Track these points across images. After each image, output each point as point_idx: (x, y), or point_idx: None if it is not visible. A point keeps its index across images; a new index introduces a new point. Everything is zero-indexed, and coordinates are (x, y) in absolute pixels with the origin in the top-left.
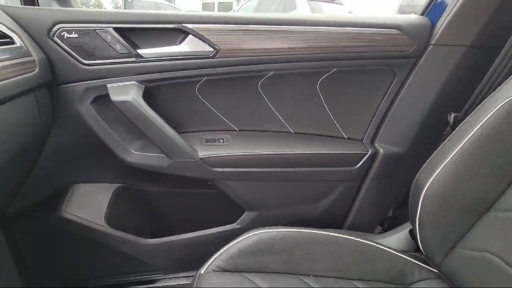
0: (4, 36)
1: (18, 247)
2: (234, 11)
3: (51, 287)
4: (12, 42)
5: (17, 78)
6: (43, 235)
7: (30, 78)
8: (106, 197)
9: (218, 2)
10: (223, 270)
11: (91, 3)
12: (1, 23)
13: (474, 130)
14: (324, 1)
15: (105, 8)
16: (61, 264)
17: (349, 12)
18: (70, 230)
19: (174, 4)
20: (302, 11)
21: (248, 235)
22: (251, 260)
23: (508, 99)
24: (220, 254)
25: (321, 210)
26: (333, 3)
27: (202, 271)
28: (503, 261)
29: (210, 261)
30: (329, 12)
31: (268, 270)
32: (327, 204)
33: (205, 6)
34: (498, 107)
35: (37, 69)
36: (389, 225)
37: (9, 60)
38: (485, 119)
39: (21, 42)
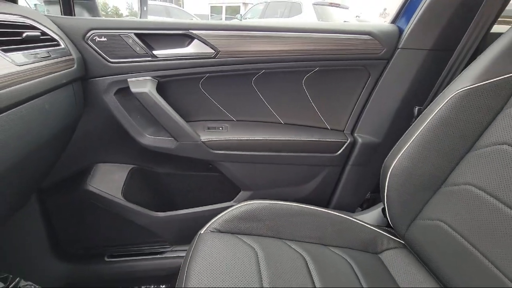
0: (52, 39)
1: (49, 215)
2: (241, 14)
3: (74, 253)
4: (58, 44)
5: (62, 72)
6: (70, 206)
7: (70, 72)
8: (122, 175)
9: (226, 6)
10: (219, 231)
11: (109, 9)
12: (50, 30)
13: (429, 119)
14: (330, 6)
15: (121, 14)
16: (83, 232)
17: (356, 16)
18: (92, 202)
19: (183, 8)
20: (307, 15)
21: (241, 205)
22: (242, 225)
23: (455, 93)
24: (217, 219)
25: (308, 192)
26: (339, 7)
27: (202, 232)
28: (450, 227)
29: (209, 225)
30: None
31: (256, 234)
32: (313, 186)
33: (213, 9)
34: (447, 99)
35: (75, 66)
36: (367, 206)
37: (56, 58)
38: (437, 109)
39: (64, 44)
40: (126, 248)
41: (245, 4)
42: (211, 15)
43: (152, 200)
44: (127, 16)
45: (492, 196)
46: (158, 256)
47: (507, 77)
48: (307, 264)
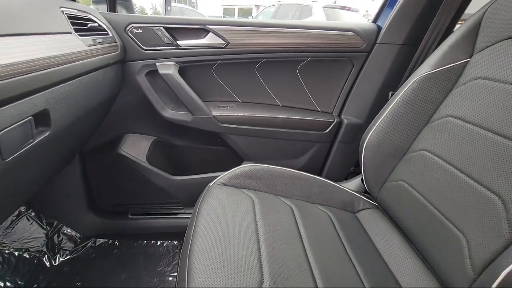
0: (104, 29)
1: (87, 175)
2: (252, 16)
3: (104, 209)
4: (108, 33)
5: (110, 54)
6: (104, 167)
7: (115, 55)
8: (147, 144)
9: (239, 8)
10: (224, 185)
11: (136, 9)
12: (103, 23)
13: (396, 100)
14: (340, 8)
15: (146, 13)
16: (113, 191)
17: (368, 20)
18: (123, 164)
19: (197, 9)
20: (318, 18)
21: (243, 166)
22: (243, 181)
23: (416, 78)
24: (223, 175)
25: (301, 164)
26: (349, 10)
27: (210, 185)
28: (410, 185)
29: (216, 180)
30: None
31: (254, 189)
32: (306, 159)
33: (226, 11)
34: (410, 83)
35: (118, 51)
36: (351, 178)
37: (107, 43)
38: (403, 91)
39: (111, 33)
40: (146, 208)
41: (257, 6)
42: (223, 17)
43: (169, 167)
44: (151, 15)
45: (439, 158)
46: (173, 216)
47: (456, 64)
48: (293, 212)
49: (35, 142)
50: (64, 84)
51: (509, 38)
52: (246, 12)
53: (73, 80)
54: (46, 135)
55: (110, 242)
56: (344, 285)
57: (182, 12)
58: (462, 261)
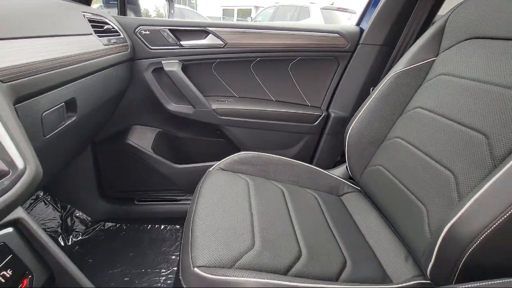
0: (116, 31)
1: (98, 163)
2: (251, 18)
3: (112, 195)
4: (119, 34)
5: (122, 53)
6: (114, 155)
7: (126, 54)
8: (152, 136)
9: (238, 9)
10: (222, 169)
11: (141, 11)
12: (114, 25)
13: (374, 94)
14: (337, 10)
15: (150, 15)
16: (121, 178)
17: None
18: (131, 153)
19: (196, 10)
20: (315, 19)
21: (239, 154)
22: (240, 166)
23: (392, 74)
24: (221, 162)
25: (293, 154)
26: (346, 11)
27: (210, 170)
28: (386, 169)
29: (214, 165)
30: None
31: (249, 173)
32: (297, 149)
33: (226, 12)
34: (387, 79)
35: (129, 50)
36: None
37: (119, 43)
38: (381, 86)
39: (122, 34)
40: (151, 195)
41: (256, 7)
42: (223, 17)
43: (173, 157)
44: (154, 17)
45: (409, 143)
46: (175, 202)
47: (425, 62)
48: (283, 193)
49: (65, 124)
50: (87, 77)
51: (467, 39)
52: (245, 13)
53: (94, 74)
54: (73, 119)
55: (117, 226)
56: (324, 250)
57: (182, 13)
58: (422, 228)
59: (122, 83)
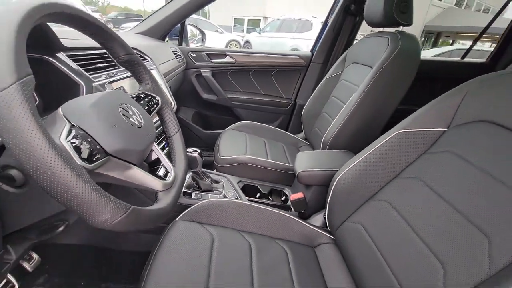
0: (180, 55)
1: None
2: (260, 28)
3: None
4: (180, 56)
5: (182, 66)
6: None
7: (184, 66)
8: (191, 112)
9: (248, 19)
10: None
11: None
12: (179, 51)
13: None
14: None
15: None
16: None
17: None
18: (180, 123)
19: (209, 19)
20: (317, 32)
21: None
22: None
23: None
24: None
25: (275, 126)
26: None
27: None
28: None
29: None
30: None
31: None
32: (277, 123)
33: (237, 21)
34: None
35: (185, 64)
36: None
37: (181, 60)
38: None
39: (182, 56)
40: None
41: (265, 18)
42: (234, 26)
43: (202, 125)
44: (192, 38)
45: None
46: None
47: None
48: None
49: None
50: (175, 77)
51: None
52: (255, 22)
53: (177, 75)
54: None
55: None
56: None
57: (196, 22)
58: None
59: (181, 82)
